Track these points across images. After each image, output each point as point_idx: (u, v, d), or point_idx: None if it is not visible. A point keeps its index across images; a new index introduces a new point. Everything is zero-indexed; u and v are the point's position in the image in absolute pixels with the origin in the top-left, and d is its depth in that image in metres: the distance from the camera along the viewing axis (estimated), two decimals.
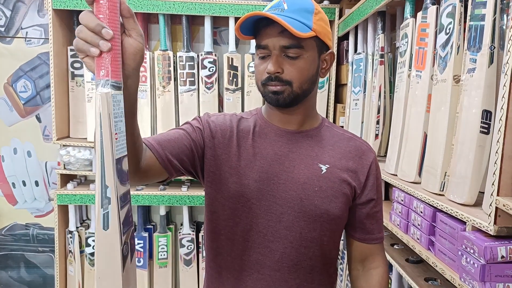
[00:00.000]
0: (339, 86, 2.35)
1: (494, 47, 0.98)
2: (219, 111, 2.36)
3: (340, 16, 2.21)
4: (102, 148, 0.57)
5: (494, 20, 0.97)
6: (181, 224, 2.46)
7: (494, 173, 0.88)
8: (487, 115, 0.99)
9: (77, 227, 2.38)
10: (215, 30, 2.43)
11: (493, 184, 0.88)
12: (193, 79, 2.27)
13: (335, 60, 2.24)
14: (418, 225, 1.24)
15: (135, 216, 2.38)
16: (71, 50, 2.30)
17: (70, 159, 2.20)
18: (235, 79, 2.27)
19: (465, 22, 1.09)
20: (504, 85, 0.85)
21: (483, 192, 0.98)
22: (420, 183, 1.28)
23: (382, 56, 1.70)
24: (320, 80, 2.30)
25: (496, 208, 0.87)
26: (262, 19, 0.83)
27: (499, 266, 0.87)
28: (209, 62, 2.27)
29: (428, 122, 1.26)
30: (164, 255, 2.39)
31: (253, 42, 1.95)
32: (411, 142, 1.36)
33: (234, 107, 2.28)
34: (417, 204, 1.25)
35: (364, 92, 1.89)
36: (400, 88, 1.47)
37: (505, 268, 0.87)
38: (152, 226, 2.47)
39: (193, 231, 2.41)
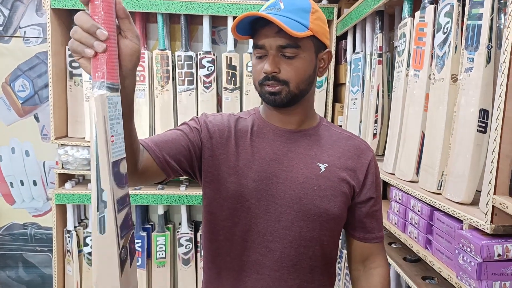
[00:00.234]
0: (338, 86, 2.35)
1: (492, 47, 0.98)
2: (218, 111, 2.37)
3: (339, 15, 2.22)
4: (97, 151, 0.56)
5: (492, 19, 0.98)
6: (180, 224, 2.46)
7: (491, 172, 0.88)
8: (484, 114, 1.00)
9: (75, 227, 2.38)
10: (214, 29, 2.43)
11: (489, 182, 0.88)
12: (191, 78, 2.27)
13: (333, 59, 2.26)
14: (416, 224, 1.24)
15: (133, 215, 2.38)
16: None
17: (68, 158, 2.20)
18: (233, 79, 2.27)
19: (462, 21, 1.10)
20: (501, 84, 0.85)
21: (480, 191, 0.98)
22: (417, 182, 1.29)
23: (380, 55, 1.70)
24: (318, 79, 2.31)
25: (493, 206, 0.87)
26: (259, 18, 0.83)
27: (496, 264, 0.87)
28: (207, 61, 2.27)
29: (425, 121, 1.27)
30: (162, 254, 2.39)
31: (251, 42, 1.95)
32: (408, 141, 1.36)
33: (232, 107, 2.28)
34: (414, 203, 1.26)
35: (362, 92, 1.89)
36: (398, 88, 1.47)
37: (502, 267, 0.87)
38: (150, 226, 2.47)
39: (191, 230, 2.41)
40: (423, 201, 1.20)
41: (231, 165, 0.88)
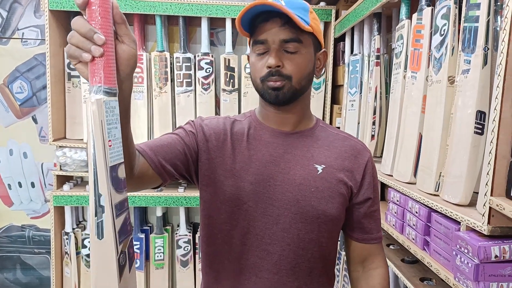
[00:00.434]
0: (336, 87, 2.35)
1: (488, 49, 0.98)
2: (216, 112, 2.37)
3: (337, 17, 2.22)
4: (94, 156, 0.56)
5: (488, 21, 0.98)
6: (178, 225, 2.46)
7: (487, 173, 0.88)
8: (481, 116, 1.00)
9: (73, 229, 2.37)
10: (212, 31, 2.44)
11: (486, 184, 0.88)
12: (190, 80, 2.27)
13: (331, 61, 2.27)
14: (413, 225, 1.25)
15: (132, 217, 2.37)
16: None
17: (66, 160, 2.20)
18: (232, 80, 2.28)
19: (459, 23, 1.10)
20: (498, 86, 0.86)
21: (478, 192, 0.98)
22: (415, 183, 1.29)
23: (378, 57, 1.71)
24: (317, 81, 2.32)
25: (490, 208, 0.87)
26: (259, 14, 0.83)
27: (493, 265, 0.88)
28: (206, 63, 2.27)
29: (423, 123, 1.27)
30: (160, 256, 2.39)
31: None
32: (406, 142, 1.37)
33: (231, 108, 2.29)
34: (412, 205, 1.26)
35: (360, 93, 1.90)
36: (396, 89, 1.48)
37: (499, 268, 0.88)
38: (148, 227, 2.47)
39: (189, 232, 2.41)
40: (420, 203, 1.20)
41: (227, 168, 0.88)
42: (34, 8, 2.39)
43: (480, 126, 1.00)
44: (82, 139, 2.28)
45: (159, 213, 2.38)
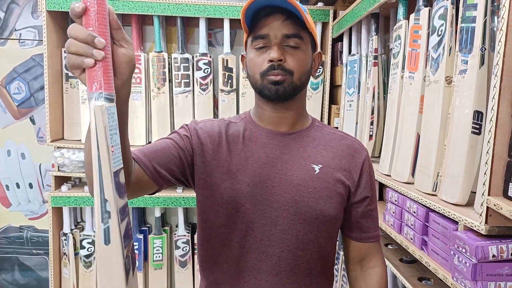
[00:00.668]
0: (334, 88, 2.36)
1: (485, 49, 0.99)
2: (214, 113, 2.37)
3: (334, 17, 2.23)
4: (99, 162, 0.56)
5: (485, 22, 0.99)
6: (176, 226, 2.46)
7: (485, 173, 0.89)
8: (478, 116, 1.00)
9: (71, 229, 2.37)
10: (210, 31, 2.44)
11: (484, 184, 0.89)
12: (188, 80, 2.27)
13: (329, 61, 2.27)
14: (411, 225, 1.25)
15: (130, 217, 2.37)
16: (66, 52, 2.29)
17: (64, 161, 2.19)
18: (230, 81, 2.28)
19: (456, 24, 1.11)
20: (495, 86, 0.86)
21: (475, 192, 0.99)
22: (413, 183, 1.29)
23: (376, 57, 1.71)
24: (315, 81, 2.32)
25: (487, 207, 0.88)
26: (262, 8, 0.83)
27: (490, 265, 0.88)
28: (204, 63, 2.27)
29: (421, 123, 1.27)
30: (159, 256, 2.39)
31: None
32: (404, 142, 1.37)
33: (229, 109, 2.29)
34: (410, 204, 1.26)
35: (358, 93, 1.90)
36: (393, 89, 1.48)
37: (496, 267, 0.88)
38: (147, 228, 2.46)
39: (188, 232, 2.41)
40: (418, 203, 1.21)
41: (224, 170, 0.87)
42: (32, 8, 2.39)
43: (478, 126, 1.01)
44: (80, 140, 2.28)
45: (157, 213, 2.38)
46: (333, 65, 2.31)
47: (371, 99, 1.71)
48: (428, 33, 1.25)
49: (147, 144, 2.25)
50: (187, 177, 0.90)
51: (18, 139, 2.47)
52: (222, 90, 2.28)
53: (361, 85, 1.86)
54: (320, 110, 2.32)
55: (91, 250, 2.35)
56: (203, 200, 0.90)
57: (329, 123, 2.31)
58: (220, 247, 0.90)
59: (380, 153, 1.63)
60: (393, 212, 1.38)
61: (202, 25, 2.25)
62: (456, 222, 1.02)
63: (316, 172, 0.88)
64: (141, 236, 2.37)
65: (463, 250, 0.93)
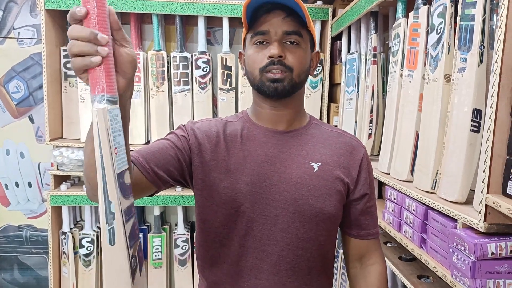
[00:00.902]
0: (333, 86, 2.36)
1: (484, 47, 0.99)
2: (213, 111, 2.37)
3: (333, 16, 2.23)
4: (102, 164, 0.57)
5: (484, 20, 0.99)
6: (176, 225, 2.46)
7: (484, 171, 0.89)
8: (477, 114, 1.01)
9: (70, 228, 2.37)
10: (209, 30, 2.43)
11: (483, 182, 0.89)
12: (187, 79, 2.27)
13: (328, 59, 2.27)
14: (411, 223, 1.25)
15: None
16: (64, 50, 2.29)
17: (63, 160, 2.19)
18: (229, 79, 2.28)
19: (455, 22, 1.11)
20: (493, 84, 0.86)
21: (474, 190, 0.99)
22: (412, 181, 1.29)
23: (375, 56, 1.71)
24: (314, 79, 2.32)
25: (486, 205, 0.88)
26: (263, 4, 0.83)
27: (489, 262, 0.88)
28: (203, 62, 2.27)
29: (420, 121, 1.27)
30: (158, 255, 2.39)
31: None
32: (403, 141, 1.37)
33: (228, 107, 2.29)
34: (409, 202, 1.27)
35: (357, 92, 1.90)
36: (393, 88, 1.48)
37: (495, 265, 0.88)
38: (146, 227, 2.47)
39: (187, 231, 2.41)
40: (417, 201, 1.21)
41: (222, 170, 0.87)
42: (30, 7, 2.38)
43: (476, 124, 1.01)
44: (79, 139, 2.28)
45: (157, 212, 2.38)
46: (332, 63, 2.31)
47: (370, 97, 1.71)
48: (427, 31, 1.25)
49: (146, 143, 2.25)
50: (185, 177, 0.89)
51: (17, 138, 2.46)
52: (221, 89, 2.27)
53: (360, 84, 1.86)
54: (319, 109, 2.32)
55: (90, 249, 2.35)
56: (202, 201, 0.90)
57: (328, 121, 2.31)
58: (219, 247, 0.90)
59: (379, 151, 1.64)
60: (392, 210, 1.39)
61: (201, 24, 2.25)
62: (455, 220, 1.02)
63: (315, 170, 0.88)
64: (140, 235, 2.37)
65: (462, 248, 0.93)
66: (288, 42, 0.84)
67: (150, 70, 2.25)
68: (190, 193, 2.27)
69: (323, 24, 2.30)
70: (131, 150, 0.77)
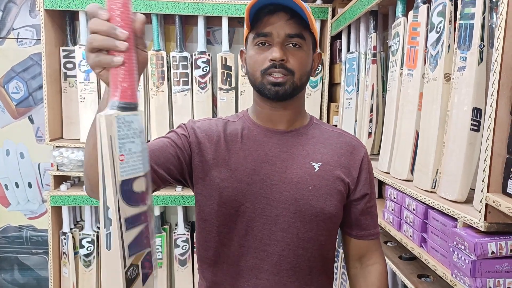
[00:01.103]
0: (333, 85, 2.36)
1: (484, 46, 0.99)
2: (213, 111, 2.37)
3: (333, 15, 2.22)
4: (103, 170, 0.56)
5: (484, 18, 0.99)
6: (176, 225, 2.46)
7: (484, 170, 0.89)
8: (477, 113, 1.00)
9: (71, 229, 2.37)
10: (209, 30, 2.43)
11: (483, 181, 0.89)
12: (186, 79, 2.27)
13: (328, 59, 2.27)
14: (411, 222, 1.25)
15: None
16: (64, 51, 2.29)
17: (63, 160, 2.19)
18: (228, 79, 2.27)
19: (455, 21, 1.11)
20: (493, 83, 0.86)
21: (474, 189, 0.99)
22: (412, 180, 1.29)
23: (374, 55, 1.71)
24: (314, 79, 2.32)
25: (486, 204, 0.88)
26: (266, 6, 0.83)
27: (490, 262, 0.88)
28: (202, 62, 2.27)
29: (419, 120, 1.27)
30: (158, 255, 2.39)
31: None
32: (403, 140, 1.37)
33: (228, 107, 2.28)
34: (409, 202, 1.27)
35: (357, 91, 1.90)
36: (392, 87, 1.48)
37: (495, 264, 0.88)
38: None
39: (187, 231, 2.41)
40: (417, 200, 1.21)
41: (222, 170, 0.87)
42: (29, 7, 2.38)
43: (476, 123, 1.01)
44: (79, 139, 2.27)
45: (156, 212, 2.37)
46: (332, 63, 2.31)
47: (370, 96, 1.71)
48: (427, 30, 1.25)
49: None
50: (185, 176, 0.89)
51: (17, 139, 2.46)
52: (221, 89, 2.27)
53: (360, 83, 1.86)
54: (319, 108, 2.32)
55: (90, 249, 2.35)
56: (202, 200, 0.90)
57: (328, 121, 2.31)
58: (220, 247, 0.90)
59: (379, 151, 1.63)
60: (392, 210, 1.39)
61: (201, 24, 2.25)
62: (455, 219, 1.02)
63: (316, 170, 0.88)
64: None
65: (462, 247, 0.93)
66: (291, 45, 0.84)
67: (150, 70, 2.24)
68: (190, 193, 2.27)
69: (323, 23, 2.30)
70: None
